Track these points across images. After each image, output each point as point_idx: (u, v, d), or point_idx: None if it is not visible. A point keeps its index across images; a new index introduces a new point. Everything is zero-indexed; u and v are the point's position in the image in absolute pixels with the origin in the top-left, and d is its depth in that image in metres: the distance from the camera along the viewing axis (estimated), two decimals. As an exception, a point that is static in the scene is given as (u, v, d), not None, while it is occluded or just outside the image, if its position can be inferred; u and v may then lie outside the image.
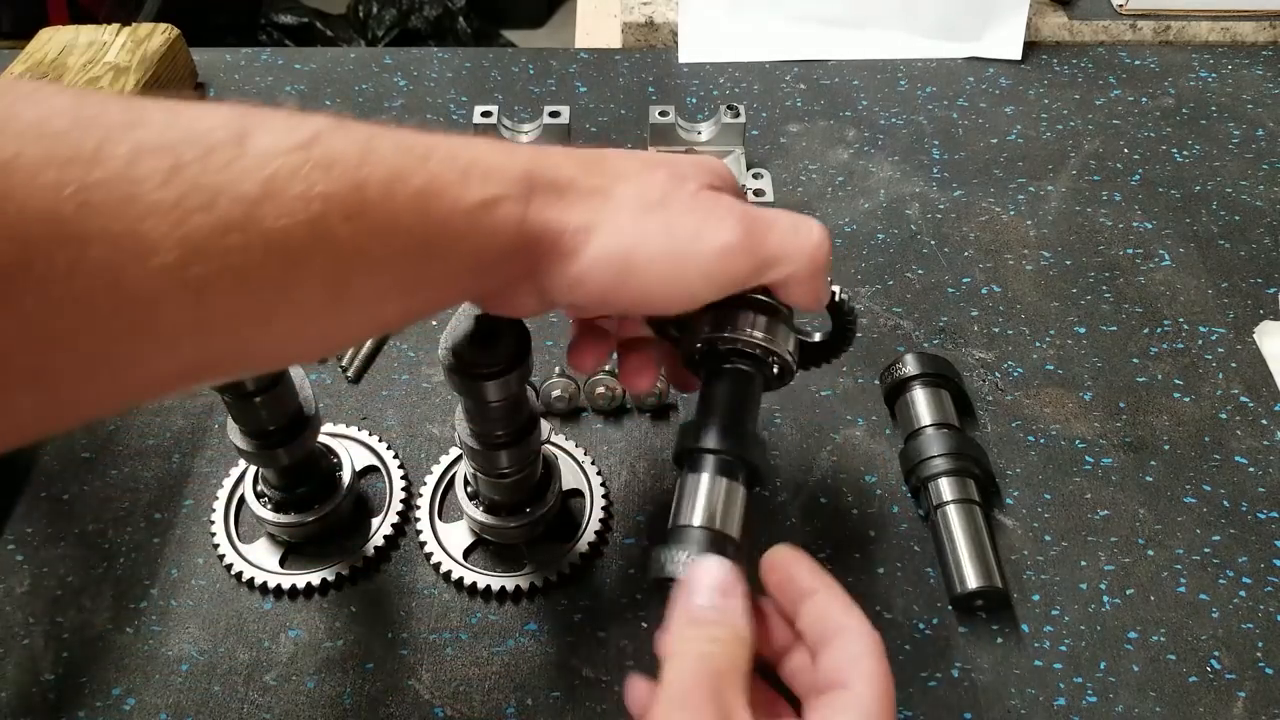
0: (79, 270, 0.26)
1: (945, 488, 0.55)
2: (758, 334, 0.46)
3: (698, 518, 0.43)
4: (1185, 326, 0.67)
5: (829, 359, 0.54)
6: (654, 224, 0.38)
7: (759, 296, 0.47)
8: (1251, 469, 0.60)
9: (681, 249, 0.39)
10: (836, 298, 0.48)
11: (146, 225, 0.27)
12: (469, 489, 0.55)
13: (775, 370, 0.48)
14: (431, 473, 0.59)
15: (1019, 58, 0.88)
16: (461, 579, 0.54)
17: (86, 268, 0.27)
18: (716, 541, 0.42)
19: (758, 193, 0.67)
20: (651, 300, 0.40)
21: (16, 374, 0.27)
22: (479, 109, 0.76)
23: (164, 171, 0.28)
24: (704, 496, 0.44)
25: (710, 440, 0.45)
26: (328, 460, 0.57)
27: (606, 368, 0.62)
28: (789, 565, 0.40)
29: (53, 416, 0.30)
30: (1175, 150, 0.80)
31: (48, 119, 0.27)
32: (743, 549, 0.42)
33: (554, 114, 0.72)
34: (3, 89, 0.28)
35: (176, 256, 0.28)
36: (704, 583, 0.37)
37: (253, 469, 0.55)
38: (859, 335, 0.65)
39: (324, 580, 0.54)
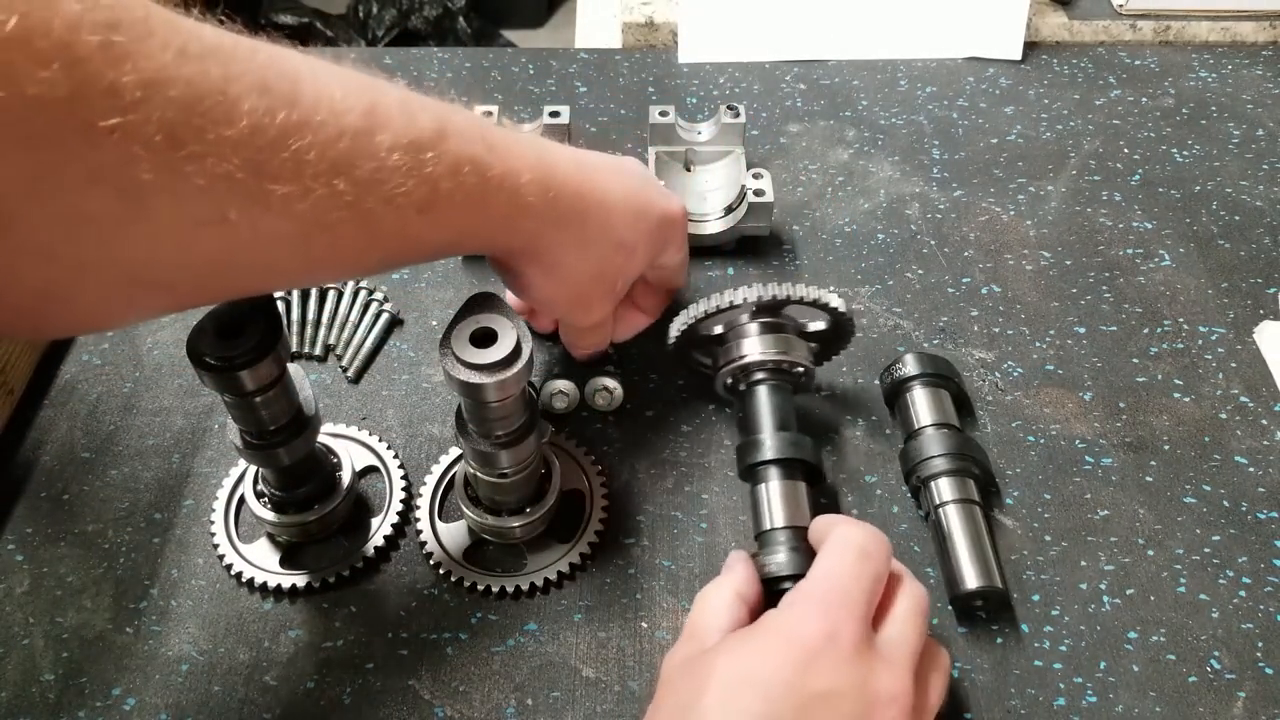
0: (242, 213, 0.34)
1: (945, 488, 0.55)
2: (775, 351, 0.56)
3: (778, 520, 0.52)
4: (1185, 326, 0.67)
5: (834, 353, 0.62)
6: (587, 289, 0.53)
7: (766, 319, 0.56)
8: (1251, 469, 0.60)
9: (583, 307, 0.55)
10: (831, 304, 0.55)
11: (288, 190, 0.35)
12: (469, 489, 0.55)
13: (800, 375, 0.57)
14: (431, 473, 0.59)
15: (1019, 58, 0.88)
16: (461, 579, 0.54)
17: (246, 211, 0.34)
18: (795, 535, 0.51)
19: (758, 192, 0.67)
20: (571, 317, 0.57)
21: (159, 284, 0.36)
22: (479, 109, 0.76)
23: (308, 148, 0.35)
24: (776, 501, 0.52)
25: (766, 453, 0.53)
26: (328, 460, 0.57)
27: (606, 368, 0.62)
28: (819, 522, 0.50)
29: (158, 314, 0.44)
30: (1175, 150, 0.80)
31: (233, 78, 0.33)
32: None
33: (554, 114, 0.72)
34: (211, 52, 0.33)
35: (303, 212, 0.36)
36: (728, 562, 0.50)
37: (253, 469, 0.55)
38: (859, 335, 0.66)
39: (324, 580, 0.54)
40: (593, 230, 0.50)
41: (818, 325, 0.58)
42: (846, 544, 0.45)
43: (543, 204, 0.46)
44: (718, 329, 0.58)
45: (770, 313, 0.57)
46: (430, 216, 0.41)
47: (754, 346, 0.56)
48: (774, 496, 0.52)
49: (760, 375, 0.56)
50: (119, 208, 0.31)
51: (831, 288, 0.55)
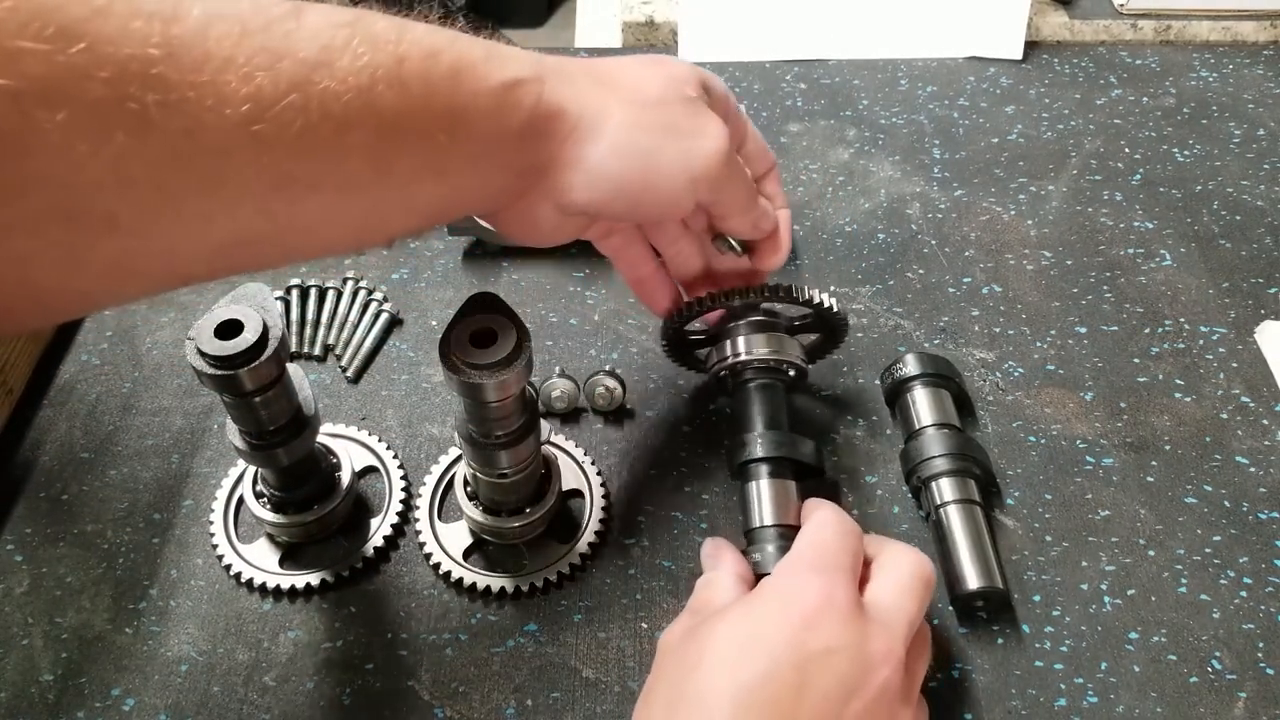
0: (165, 112, 0.29)
1: (946, 488, 0.55)
2: (766, 350, 0.55)
3: (767, 519, 0.51)
4: (1186, 326, 0.67)
5: (830, 350, 0.61)
6: (659, 119, 0.43)
7: (757, 317, 0.56)
8: (1252, 469, 0.59)
9: (686, 143, 0.44)
10: (818, 299, 0.54)
11: (221, 79, 0.30)
12: (468, 489, 0.55)
13: (791, 374, 0.57)
14: (431, 473, 0.59)
15: (1020, 57, 0.88)
16: (461, 579, 0.54)
17: (172, 111, 0.29)
18: (784, 533, 0.50)
19: (758, 192, 0.67)
20: (657, 193, 0.44)
21: (98, 214, 0.29)
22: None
23: (234, 35, 0.30)
24: (766, 499, 0.52)
25: (755, 451, 0.53)
26: (327, 460, 0.57)
27: (606, 368, 0.62)
28: (806, 505, 0.51)
29: (118, 273, 0.32)
30: (1176, 150, 0.80)
31: None
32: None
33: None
34: None
35: (247, 110, 0.30)
36: (705, 553, 0.51)
37: (252, 469, 0.55)
38: (860, 335, 0.66)
39: (323, 581, 0.54)
40: (607, 73, 0.43)
41: (808, 320, 0.58)
42: (828, 519, 0.47)
43: (538, 71, 0.40)
44: (703, 327, 0.58)
45: (759, 310, 0.56)
46: (403, 92, 0.35)
47: (744, 346, 0.56)
48: (763, 495, 0.52)
49: (751, 374, 0.56)
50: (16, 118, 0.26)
51: (832, 288, 0.55)
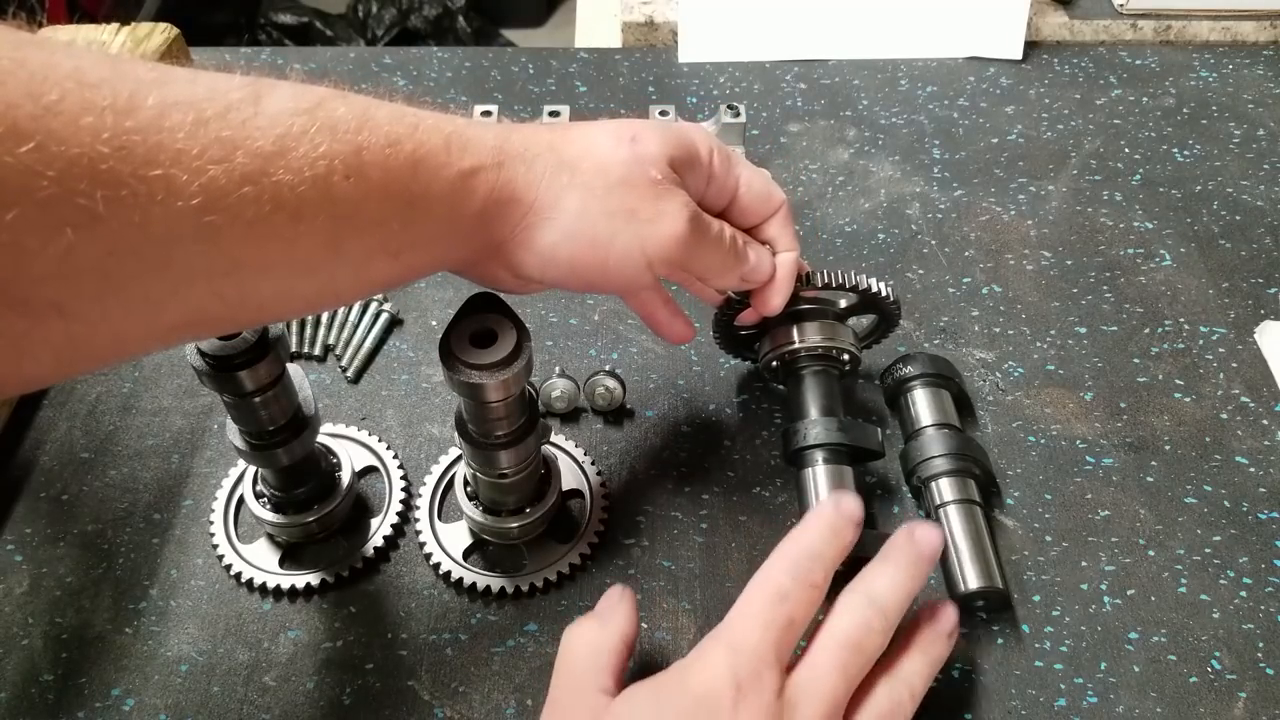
0: (114, 207, 0.29)
1: (946, 488, 0.55)
2: (819, 338, 0.56)
3: None
4: (1186, 326, 0.67)
5: (885, 335, 0.62)
6: (617, 203, 0.42)
7: (809, 306, 0.56)
8: (1252, 469, 0.59)
9: (640, 227, 0.43)
10: (873, 289, 0.54)
11: (173, 173, 0.30)
12: (468, 489, 0.55)
13: (846, 360, 0.58)
14: (431, 473, 0.59)
15: (1019, 57, 0.88)
16: (461, 579, 0.54)
17: (120, 205, 0.29)
18: None
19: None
20: (612, 276, 0.44)
21: (45, 303, 0.29)
22: (479, 108, 0.76)
23: (189, 124, 0.30)
24: (823, 484, 0.53)
25: (811, 438, 0.54)
26: (327, 460, 0.57)
27: (606, 368, 0.62)
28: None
29: (67, 356, 0.32)
30: (1176, 150, 0.80)
31: (84, 69, 0.29)
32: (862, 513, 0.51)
33: (554, 113, 0.72)
34: (39, 41, 0.29)
35: (198, 203, 0.30)
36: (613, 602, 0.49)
37: (252, 469, 0.55)
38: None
39: (323, 581, 0.54)
40: (572, 152, 0.42)
41: (853, 308, 0.58)
42: (764, 583, 0.43)
43: (499, 156, 0.40)
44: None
45: (809, 299, 0.57)
46: (359, 182, 0.35)
47: (796, 334, 0.56)
48: (820, 480, 0.53)
49: (805, 362, 0.57)
50: None
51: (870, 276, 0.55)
